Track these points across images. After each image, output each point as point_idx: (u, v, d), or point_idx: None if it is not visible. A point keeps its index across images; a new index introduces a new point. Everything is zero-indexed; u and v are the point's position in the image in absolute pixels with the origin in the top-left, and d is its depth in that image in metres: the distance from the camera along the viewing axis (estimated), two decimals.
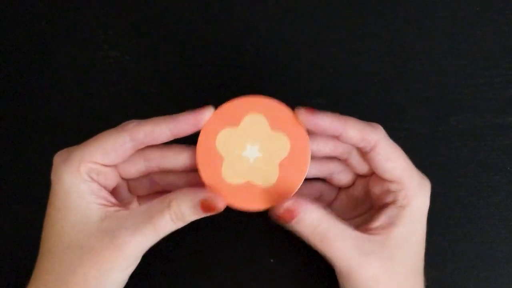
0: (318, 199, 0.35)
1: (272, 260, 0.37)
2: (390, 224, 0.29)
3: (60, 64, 0.39)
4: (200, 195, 0.27)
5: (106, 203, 0.28)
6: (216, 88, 0.39)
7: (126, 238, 0.27)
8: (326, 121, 0.28)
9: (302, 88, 0.39)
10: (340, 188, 0.35)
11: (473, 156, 0.38)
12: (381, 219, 0.29)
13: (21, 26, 0.40)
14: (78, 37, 0.40)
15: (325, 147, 0.31)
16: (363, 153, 0.30)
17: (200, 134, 0.29)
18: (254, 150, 0.29)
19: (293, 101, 0.38)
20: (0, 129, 0.38)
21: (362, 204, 0.33)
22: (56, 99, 0.39)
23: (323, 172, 0.33)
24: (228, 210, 0.38)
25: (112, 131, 0.29)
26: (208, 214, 0.27)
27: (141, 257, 0.29)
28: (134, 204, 0.33)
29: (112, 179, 0.30)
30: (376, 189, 0.31)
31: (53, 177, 0.29)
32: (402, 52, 0.39)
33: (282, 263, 0.36)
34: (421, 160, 0.37)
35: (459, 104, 0.38)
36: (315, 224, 0.27)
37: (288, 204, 0.27)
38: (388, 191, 0.30)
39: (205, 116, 0.28)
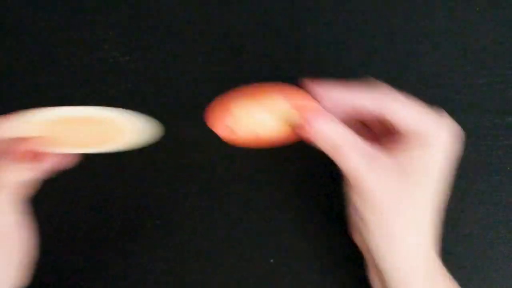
0: None
1: (272, 260, 0.37)
2: (404, 150, 0.29)
3: (60, 64, 0.39)
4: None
5: None
6: (216, 88, 0.39)
7: None
8: (335, 93, 0.29)
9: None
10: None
11: (473, 156, 0.38)
12: (398, 143, 0.29)
13: (21, 26, 0.40)
14: (78, 37, 0.40)
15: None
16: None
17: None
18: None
19: None
20: None
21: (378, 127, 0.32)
22: (56, 99, 0.39)
23: None
24: (229, 210, 0.38)
25: None
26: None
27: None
28: None
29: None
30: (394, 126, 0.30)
31: None
32: (402, 52, 0.39)
33: (282, 263, 0.36)
34: None
35: (459, 104, 0.38)
36: (328, 133, 0.28)
37: (303, 116, 0.28)
38: (407, 132, 0.29)
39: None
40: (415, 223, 0.29)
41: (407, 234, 0.28)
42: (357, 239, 0.32)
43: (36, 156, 0.30)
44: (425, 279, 0.29)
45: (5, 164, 0.29)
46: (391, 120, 0.29)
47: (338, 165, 0.29)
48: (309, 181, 0.37)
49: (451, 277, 0.32)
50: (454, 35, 0.39)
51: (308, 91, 0.29)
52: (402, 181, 0.28)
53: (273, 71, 0.39)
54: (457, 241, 0.37)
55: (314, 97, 0.29)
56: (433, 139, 0.29)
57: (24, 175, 0.30)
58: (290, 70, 0.39)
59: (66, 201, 0.38)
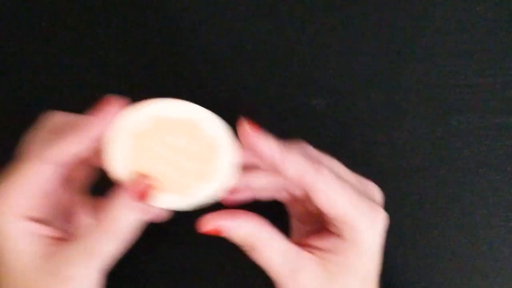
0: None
1: None
2: (331, 251, 0.27)
3: (60, 64, 0.39)
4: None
5: (45, 241, 0.26)
6: (216, 88, 0.39)
7: (71, 273, 0.25)
8: (265, 149, 0.25)
9: (302, 88, 0.39)
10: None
11: (473, 156, 0.38)
12: (323, 243, 0.27)
13: (21, 26, 0.40)
14: (78, 37, 0.40)
15: (260, 180, 0.29)
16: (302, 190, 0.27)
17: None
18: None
19: (293, 101, 0.39)
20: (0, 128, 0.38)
21: (311, 219, 0.30)
22: (56, 99, 0.39)
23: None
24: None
25: (29, 170, 0.26)
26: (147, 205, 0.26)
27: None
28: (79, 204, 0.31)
29: (46, 206, 0.27)
30: (324, 216, 0.28)
31: None
32: (402, 52, 0.39)
33: None
34: (421, 160, 0.38)
35: (459, 104, 0.38)
36: (245, 236, 0.26)
37: (212, 223, 0.26)
38: (332, 224, 0.27)
39: (109, 118, 0.26)
40: None
41: None
42: None
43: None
44: None
45: (121, 203, 0.25)
46: (317, 201, 0.26)
47: (258, 263, 0.27)
48: None
49: None
50: (454, 35, 0.39)
51: (241, 131, 0.26)
52: (331, 285, 0.26)
53: (273, 72, 0.39)
54: (457, 241, 0.37)
55: (244, 139, 0.26)
56: (363, 235, 0.26)
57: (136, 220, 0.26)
58: (289, 70, 0.39)
59: None
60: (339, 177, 0.27)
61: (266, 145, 0.25)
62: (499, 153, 0.38)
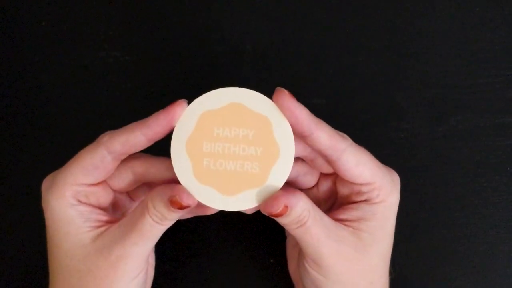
0: None
1: (272, 260, 0.37)
2: (362, 218, 0.28)
3: (60, 64, 0.39)
4: (168, 192, 0.26)
5: (97, 224, 0.28)
6: (216, 88, 0.39)
7: (118, 252, 0.26)
8: (303, 113, 0.26)
9: (302, 88, 0.39)
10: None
11: (473, 156, 0.38)
12: (352, 214, 0.29)
13: (21, 26, 0.40)
14: (78, 37, 0.40)
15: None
16: (329, 161, 0.28)
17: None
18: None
19: None
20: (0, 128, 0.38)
21: (325, 203, 0.32)
22: (56, 99, 0.39)
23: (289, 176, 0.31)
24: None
25: (88, 148, 0.28)
26: (181, 211, 0.26)
27: (149, 258, 0.29)
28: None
29: (105, 196, 0.29)
30: (345, 190, 0.30)
31: (43, 204, 0.28)
32: (402, 52, 0.39)
33: (282, 263, 0.36)
34: (421, 160, 0.38)
35: (459, 104, 0.38)
36: (301, 212, 0.27)
37: (284, 203, 0.26)
38: (359, 192, 0.29)
39: (177, 114, 0.26)
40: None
41: None
42: None
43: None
44: None
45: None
46: (346, 166, 0.28)
47: (299, 241, 0.28)
48: None
49: None
50: (454, 35, 0.39)
51: (280, 96, 0.27)
52: (363, 254, 0.28)
53: (273, 72, 0.39)
54: (457, 241, 0.37)
55: (283, 107, 0.26)
56: (390, 195, 0.29)
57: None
58: (289, 70, 0.39)
59: None
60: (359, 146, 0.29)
61: (304, 111, 0.26)
62: (499, 153, 0.38)
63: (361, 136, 0.38)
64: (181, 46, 0.39)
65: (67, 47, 0.39)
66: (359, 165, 0.28)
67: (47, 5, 0.40)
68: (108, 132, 0.28)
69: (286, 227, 0.27)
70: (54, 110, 0.39)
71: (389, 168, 0.30)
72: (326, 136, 0.27)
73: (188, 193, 0.26)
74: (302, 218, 0.27)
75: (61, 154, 0.38)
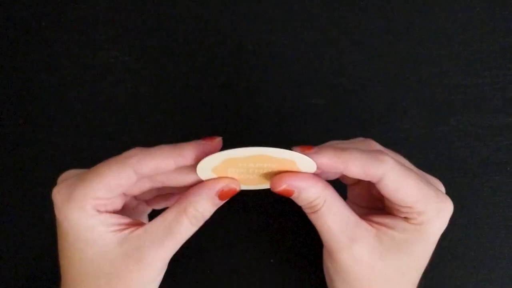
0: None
1: (272, 260, 0.37)
2: (391, 228, 0.28)
3: (60, 64, 0.39)
4: (215, 186, 0.27)
5: (118, 227, 0.28)
6: (216, 88, 0.39)
7: (151, 256, 0.27)
8: (324, 160, 0.26)
9: (301, 88, 0.39)
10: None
11: (473, 156, 0.38)
12: (386, 220, 0.28)
13: (21, 26, 0.40)
14: (78, 37, 0.40)
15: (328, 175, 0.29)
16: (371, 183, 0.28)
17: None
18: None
19: (293, 101, 0.39)
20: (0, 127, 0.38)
21: (368, 200, 0.31)
22: (56, 99, 0.39)
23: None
24: (228, 210, 0.38)
25: (114, 165, 0.27)
26: (225, 201, 0.27)
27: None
28: (142, 208, 0.33)
29: (119, 202, 0.30)
30: (387, 201, 0.29)
31: (59, 215, 0.28)
32: (402, 52, 0.39)
33: (282, 263, 0.36)
34: (421, 160, 0.38)
35: (459, 104, 0.38)
36: (314, 197, 0.27)
37: (286, 183, 0.26)
38: (399, 210, 0.28)
39: (213, 150, 0.26)
40: None
41: None
42: None
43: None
44: None
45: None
46: (385, 191, 0.27)
47: (311, 221, 0.28)
48: None
49: None
50: (454, 35, 0.39)
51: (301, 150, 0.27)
52: (380, 261, 0.27)
53: (273, 72, 0.39)
54: (457, 241, 0.37)
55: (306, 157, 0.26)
56: (429, 225, 0.27)
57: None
58: (289, 70, 0.39)
59: None
60: (404, 166, 0.27)
61: (324, 158, 0.26)
62: (499, 153, 0.38)
63: (361, 136, 0.38)
64: (181, 46, 0.39)
65: (67, 47, 0.39)
66: (398, 191, 0.26)
67: (47, 5, 0.40)
68: (137, 149, 0.27)
69: (304, 210, 0.28)
70: (54, 110, 0.39)
71: (441, 194, 0.28)
72: (358, 170, 0.26)
73: (232, 179, 0.27)
74: (315, 204, 0.27)
75: (61, 153, 0.38)
